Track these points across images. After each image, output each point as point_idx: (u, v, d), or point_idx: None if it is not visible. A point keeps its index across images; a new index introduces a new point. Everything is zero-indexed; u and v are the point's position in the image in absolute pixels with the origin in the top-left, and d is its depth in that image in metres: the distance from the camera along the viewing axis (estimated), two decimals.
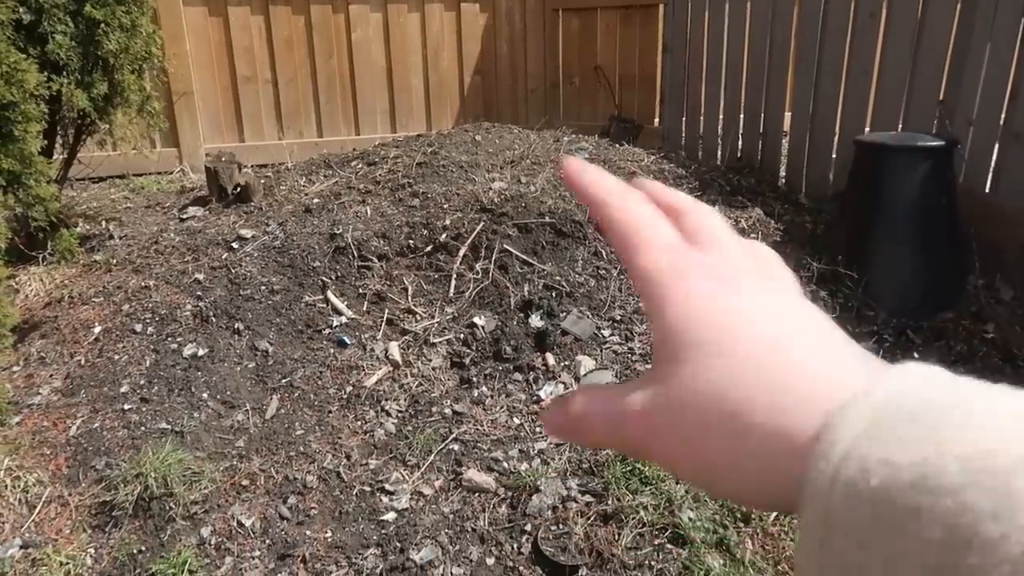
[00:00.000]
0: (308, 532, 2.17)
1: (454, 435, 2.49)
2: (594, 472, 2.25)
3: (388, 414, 2.58)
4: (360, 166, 3.78)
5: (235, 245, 3.11)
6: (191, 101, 4.99)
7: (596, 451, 2.32)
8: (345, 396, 2.62)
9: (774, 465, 0.28)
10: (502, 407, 2.62)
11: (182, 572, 2.00)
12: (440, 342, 2.86)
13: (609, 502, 2.12)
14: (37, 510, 2.14)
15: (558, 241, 3.14)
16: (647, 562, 1.96)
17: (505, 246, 3.09)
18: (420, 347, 2.85)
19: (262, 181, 3.65)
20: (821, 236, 3.12)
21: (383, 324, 2.91)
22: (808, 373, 0.29)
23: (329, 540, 2.15)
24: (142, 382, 2.53)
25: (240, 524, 2.17)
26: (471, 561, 2.07)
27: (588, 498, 2.18)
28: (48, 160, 3.07)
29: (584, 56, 5.61)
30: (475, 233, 3.12)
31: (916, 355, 2.56)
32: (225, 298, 2.86)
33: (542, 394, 2.64)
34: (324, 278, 3.00)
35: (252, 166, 4.25)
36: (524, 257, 3.08)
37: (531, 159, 3.65)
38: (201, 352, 2.66)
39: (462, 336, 2.88)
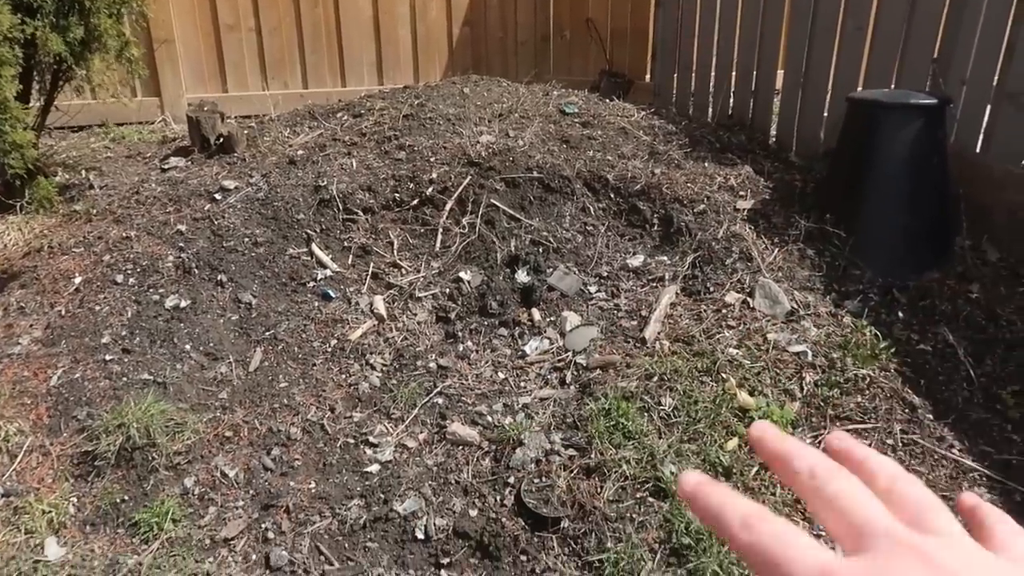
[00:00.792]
0: (292, 483, 2.17)
1: (438, 389, 2.49)
2: (578, 426, 2.26)
3: (373, 367, 2.57)
4: (346, 118, 3.71)
5: (218, 196, 3.06)
6: (172, 49, 4.86)
7: (580, 406, 2.33)
8: (329, 349, 2.61)
9: None
10: (487, 362, 2.62)
11: (165, 520, 2.01)
12: (425, 296, 2.85)
13: (592, 456, 2.14)
14: (18, 459, 2.14)
15: (545, 196, 3.10)
16: (629, 515, 1.98)
17: (492, 200, 3.06)
18: (405, 301, 2.83)
19: (245, 132, 3.58)
20: (810, 194, 3.10)
21: (368, 278, 2.89)
22: None
23: (313, 491, 2.16)
24: (124, 333, 2.51)
25: (224, 474, 2.17)
26: (454, 512, 2.08)
27: (571, 452, 2.19)
28: (24, 106, 2.99)
29: (575, 8, 5.49)
30: (462, 187, 3.08)
31: (900, 314, 2.57)
32: (208, 249, 2.82)
33: (527, 349, 2.64)
34: (308, 231, 2.96)
35: (235, 117, 4.17)
36: (511, 212, 3.05)
37: (520, 113, 3.59)
38: (184, 304, 2.63)
39: (448, 291, 2.87)
